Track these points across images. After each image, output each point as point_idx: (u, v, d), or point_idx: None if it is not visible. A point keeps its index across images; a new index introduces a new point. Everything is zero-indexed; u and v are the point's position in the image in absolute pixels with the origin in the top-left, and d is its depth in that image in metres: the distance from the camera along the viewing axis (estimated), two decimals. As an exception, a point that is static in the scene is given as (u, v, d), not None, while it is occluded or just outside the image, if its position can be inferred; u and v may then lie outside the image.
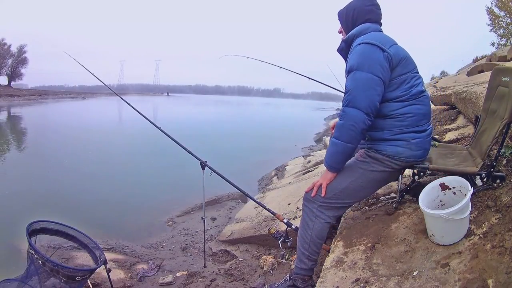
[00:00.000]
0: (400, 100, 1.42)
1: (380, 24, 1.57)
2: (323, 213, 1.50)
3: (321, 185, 1.49)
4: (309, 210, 1.52)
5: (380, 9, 1.58)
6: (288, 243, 2.04)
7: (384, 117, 1.44)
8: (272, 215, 2.80)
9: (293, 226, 2.03)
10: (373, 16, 1.55)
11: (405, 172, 1.63)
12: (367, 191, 1.55)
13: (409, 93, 1.43)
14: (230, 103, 52.96)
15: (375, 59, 1.37)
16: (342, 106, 1.43)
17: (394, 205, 1.68)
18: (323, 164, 4.24)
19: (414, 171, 1.53)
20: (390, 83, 1.41)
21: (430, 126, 1.53)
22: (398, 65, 1.41)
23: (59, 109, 23.56)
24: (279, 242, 2.03)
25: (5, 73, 42.32)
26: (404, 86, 1.42)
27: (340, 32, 1.65)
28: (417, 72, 1.50)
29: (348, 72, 1.43)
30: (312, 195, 1.51)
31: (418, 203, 1.38)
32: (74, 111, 21.80)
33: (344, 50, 1.57)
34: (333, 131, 1.60)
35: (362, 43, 1.41)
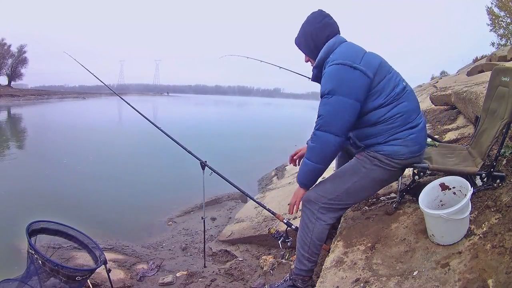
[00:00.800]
0: (384, 105, 1.41)
1: (339, 33, 1.53)
2: (325, 215, 1.49)
3: (296, 202, 1.53)
4: (309, 212, 1.51)
5: (332, 18, 1.54)
6: (288, 243, 2.04)
7: (374, 124, 1.43)
8: (272, 215, 2.80)
9: (293, 226, 2.03)
10: (331, 29, 1.50)
11: (405, 172, 1.62)
12: (368, 192, 1.55)
13: (392, 95, 1.41)
14: (230, 103, 52.97)
15: (348, 80, 1.35)
16: (314, 129, 1.44)
17: (394, 205, 1.68)
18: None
19: (414, 171, 1.53)
20: (371, 93, 1.39)
21: (422, 119, 1.51)
22: (375, 74, 1.38)
23: (59, 109, 23.55)
24: (279, 242, 2.03)
25: (5, 73, 42.34)
26: (386, 91, 1.40)
27: (307, 61, 1.61)
28: (393, 71, 1.47)
29: (321, 96, 1.41)
30: (291, 213, 1.56)
31: (418, 203, 1.38)
32: (75, 111, 21.79)
33: (319, 76, 1.53)
34: (294, 158, 1.72)
35: (333, 65, 1.38)
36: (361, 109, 1.40)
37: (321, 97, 1.41)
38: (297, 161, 1.78)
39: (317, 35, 1.49)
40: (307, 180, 1.52)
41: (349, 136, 1.55)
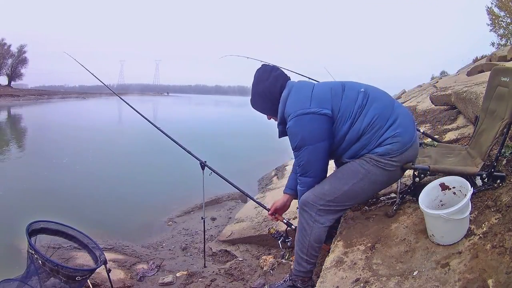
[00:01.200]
0: (356, 121, 1.41)
1: (289, 78, 1.55)
2: (322, 217, 1.48)
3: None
4: (307, 215, 1.50)
5: (278, 69, 1.56)
6: (288, 243, 2.04)
7: (357, 140, 1.44)
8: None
9: (293, 226, 2.03)
10: (281, 80, 1.52)
11: (405, 173, 1.62)
12: (368, 194, 1.54)
13: (357, 109, 1.41)
14: (230, 103, 52.92)
15: (307, 128, 1.39)
16: (298, 174, 1.53)
17: (394, 207, 1.67)
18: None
19: (415, 172, 1.52)
20: (337, 121, 1.41)
21: (400, 108, 1.49)
22: (332, 105, 1.40)
23: (59, 108, 23.55)
24: (279, 242, 2.03)
25: (5, 73, 42.37)
26: (349, 111, 1.41)
27: (269, 119, 1.63)
28: (346, 87, 1.47)
29: (293, 151, 1.46)
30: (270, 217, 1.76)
31: (418, 203, 1.38)
32: (75, 111, 21.79)
33: (284, 131, 1.53)
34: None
35: (291, 119, 1.41)
36: (337, 138, 1.44)
37: (293, 151, 1.46)
38: (276, 215, 1.88)
39: (270, 91, 1.51)
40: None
41: (341, 161, 1.55)
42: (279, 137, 1.60)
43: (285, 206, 1.82)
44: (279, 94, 1.50)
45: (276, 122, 1.57)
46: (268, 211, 1.87)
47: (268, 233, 2.13)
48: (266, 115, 1.63)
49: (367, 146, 1.44)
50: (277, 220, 1.91)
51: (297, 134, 1.41)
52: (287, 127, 1.45)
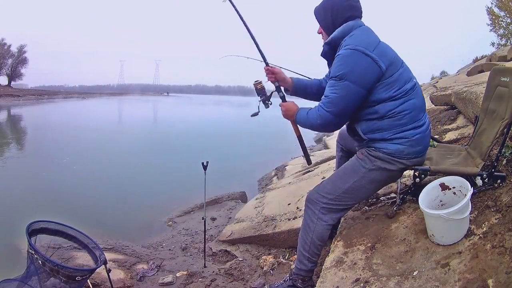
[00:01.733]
0: (395, 99, 1.39)
1: (361, 18, 1.50)
2: (325, 215, 1.49)
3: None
4: (311, 212, 1.51)
5: (358, 1, 1.50)
6: (267, 105, 1.78)
7: (382, 118, 1.42)
8: (271, 216, 2.80)
9: (280, 94, 1.75)
10: (354, 12, 1.47)
11: (404, 172, 1.62)
12: (368, 192, 1.54)
13: (403, 90, 1.40)
14: (230, 103, 52.93)
15: (359, 67, 1.34)
16: (320, 104, 1.44)
17: (394, 208, 1.67)
18: (323, 164, 4.26)
19: (415, 173, 1.52)
20: (382, 83, 1.38)
21: (427, 118, 1.51)
22: (389, 65, 1.37)
23: (60, 108, 23.55)
24: (260, 100, 1.76)
25: (5, 73, 42.39)
26: (397, 84, 1.39)
27: (319, 32, 1.57)
28: (405, 66, 1.46)
29: (331, 77, 1.41)
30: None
31: (418, 203, 1.38)
32: (75, 111, 21.78)
33: (329, 53, 1.51)
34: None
35: (348, 49, 1.36)
36: (371, 98, 1.40)
37: (331, 78, 1.40)
38: (270, 76, 1.71)
39: (338, 13, 1.46)
40: (298, 119, 1.57)
41: (354, 128, 1.52)
42: (320, 55, 1.56)
43: (284, 79, 1.73)
44: (343, 20, 1.46)
45: (323, 41, 1.53)
46: (267, 64, 1.73)
47: (254, 85, 1.78)
48: (318, 27, 1.56)
49: (384, 131, 1.42)
50: (271, 75, 1.72)
51: (347, 65, 1.35)
52: (339, 53, 1.39)
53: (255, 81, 1.75)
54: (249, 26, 1.75)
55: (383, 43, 1.44)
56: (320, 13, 1.53)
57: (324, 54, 1.55)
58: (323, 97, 1.44)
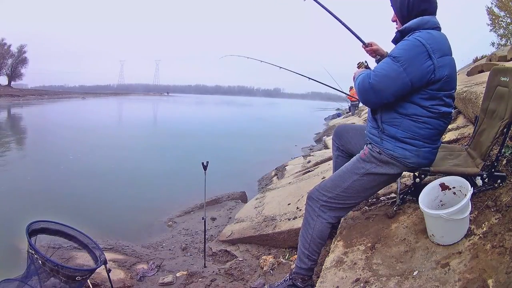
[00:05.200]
0: (428, 110, 1.40)
1: (435, 13, 1.50)
2: (325, 213, 1.50)
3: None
4: (311, 209, 1.52)
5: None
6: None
7: (405, 115, 1.42)
8: (271, 216, 2.80)
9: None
10: (430, 6, 1.46)
11: (405, 173, 1.62)
12: (368, 192, 1.54)
13: (438, 110, 1.40)
14: (231, 103, 52.94)
15: (418, 61, 1.33)
16: (372, 74, 1.41)
17: (394, 208, 1.67)
18: (323, 164, 4.26)
19: (415, 173, 1.53)
20: (424, 91, 1.38)
21: (440, 142, 1.54)
22: (439, 80, 1.36)
23: (60, 109, 23.55)
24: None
25: (5, 73, 42.40)
26: (436, 101, 1.39)
27: (394, 20, 1.58)
28: (454, 91, 1.46)
29: (389, 55, 1.41)
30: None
31: (418, 203, 1.38)
32: (75, 111, 21.78)
33: (399, 40, 1.50)
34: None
35: (418, 40, 1.35)
36: (410, 97, 1.40)
37: (389, 55, 1.41)
38: (373, 54, 1.72)
39: (414, 5, 1.46)
40: (357, 73, 1.54)
41: (376, 112, 1.51)
42: (391, 41, 1.56)
43: (382, 51, 1.71)
44: (417, 13, 1.45)
45: (397, 28, 1.53)
46: (365, 44, 1.74)
47: (358, 64, 1.77)
48: (393, 14, 1.57)
49: (399, 128, 1.42)
50: (373, 53, 1.73)
51: (409, 52, 1.35)
52: (408, 38, 1.39)
53: (359, 63, 1.75)
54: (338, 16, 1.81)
55: (453, 59, 1.43)
56: (396, 2, 1.53)
57: (394, 41, 1.54)
58: (375, 68, 1.44)
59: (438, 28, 1.45)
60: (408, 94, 1.39)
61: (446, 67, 1.37)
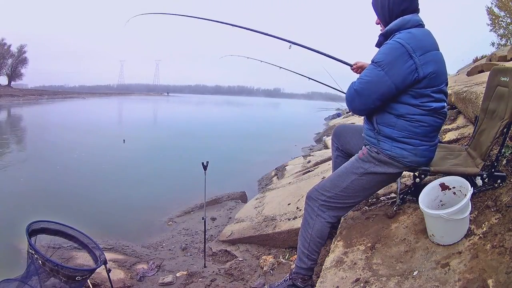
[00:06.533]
0: (419, 108, 1.40)
1: (418, 11, 1.50)
2: (324, 213, 1.51)
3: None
4: (310, 209, 1.53)
5: None
6: None
7: (399, 116, 1.42)
8: (271, 216, 2.80)
9: None
10: (410, 5, 1.46)
11: (405, 173, 1.62)
12: (367, 192, 1.55)
13: (430, 106, 1.40)
14: (231, 104, 52.91)
15: (398, 63, 1.33)
16: (357, 81, 1.44)
17: (394, 208, 1.67)
18: (323, 164, 4.26)
19: (415, 173, 1.53)
20: (412, 90, 1.38)
21: (438, 138, 1.53)
22: (424, 78, 1.36)
23: (60, 108, 23.55)
24: None
25: (5, 73, 42.42)
26: (425, 98, 1.39)
27: (377, 23, 1.58)
28: (445, 86, 1.45)
29: (372, 61, 1.42)
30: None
31: (418, 203, 1.38)
32: (75, 111, 21.77)
33: (382, 44, 1.49)
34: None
35: (397, 42, 1.36)
36: (399, 98, 1.40)
37: (372, 62, 1.42)
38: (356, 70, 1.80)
39: (393, 6, 1.46)
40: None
41: (371, 115, 1.52)
42: (375, 45, 1.56)
43: (363, 65, 1.77)
44: (398, 14, 1.45)
45: (381, 31, 1.53)
46: (351, 66, 1.83)
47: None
48: (376, 18, 1.57)
49: (394, 129, 1.43)
50: (357, 69, 1.81)
51: (389, 56, 1.35)
52: (388, 42, 1.40)
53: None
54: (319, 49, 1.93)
55: (439, 53, 1.42)
56: (377, 6, 1.53)
57: (378, 45, 1.54)
58: (359, 77, 1.46)
59: (420, 25, 1.45)
60: (396, 96, 1.39)
61: (430, 64, 1.36)
